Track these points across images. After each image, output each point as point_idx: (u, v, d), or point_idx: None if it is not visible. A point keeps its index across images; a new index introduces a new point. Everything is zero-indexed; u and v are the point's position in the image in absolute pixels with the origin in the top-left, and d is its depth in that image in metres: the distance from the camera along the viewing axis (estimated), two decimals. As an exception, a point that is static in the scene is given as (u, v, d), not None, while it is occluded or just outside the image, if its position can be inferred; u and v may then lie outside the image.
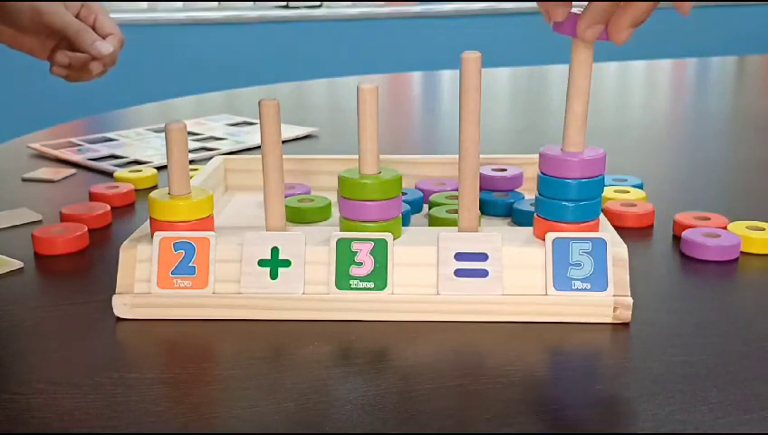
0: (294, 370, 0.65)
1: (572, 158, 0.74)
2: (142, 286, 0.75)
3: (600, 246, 0.74)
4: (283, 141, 0.80)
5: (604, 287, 0.73)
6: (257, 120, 0.78)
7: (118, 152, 1.38)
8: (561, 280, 0.73)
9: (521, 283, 0.74)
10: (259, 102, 0.76)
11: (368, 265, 0.74)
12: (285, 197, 0.87)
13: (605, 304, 0.72)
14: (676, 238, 0.93)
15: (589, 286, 0.73)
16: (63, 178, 1.24)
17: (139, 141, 1.46)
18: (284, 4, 3.90)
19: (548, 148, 0.76)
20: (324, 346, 0.69)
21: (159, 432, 0.57)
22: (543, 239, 0.75)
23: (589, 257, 0.73)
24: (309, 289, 0.74)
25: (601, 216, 0.78)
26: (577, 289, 0.73)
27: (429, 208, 0.95)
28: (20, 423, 0.58)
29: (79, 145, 1.42)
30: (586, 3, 0.68)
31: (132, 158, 1.34)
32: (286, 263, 0.75)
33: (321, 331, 0.72)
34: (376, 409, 0.59)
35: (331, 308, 0.74)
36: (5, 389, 0.62)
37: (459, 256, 0.74)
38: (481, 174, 0.77)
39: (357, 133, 0.76)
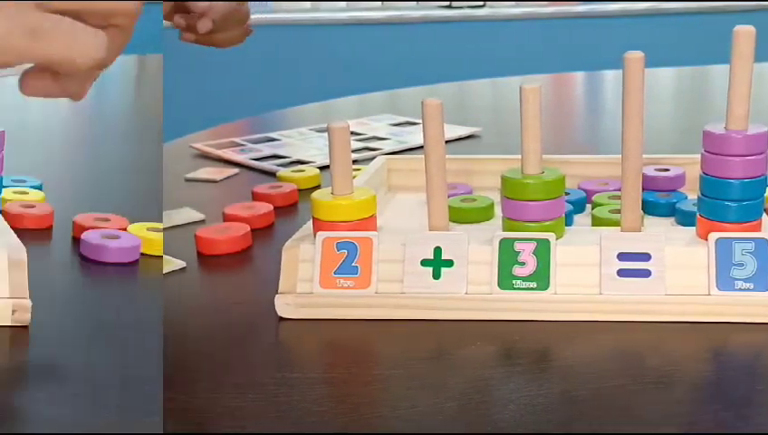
0: (456, 370, 0.65)
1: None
2: (305, 286, 0.76)
3: (762, 246, 0.72)
4: (446, 141, 0.80)
5: (767, 287, 0.71)
6: (420, 120, 0.78)
7: (280, 152, 1.39)
8: (724, 280, 0.72)
9: (684, 283, 0.73)
10: (422, 102, 0.76)
11: (530, 265, 0.74)
12: (448, 196, 0.87)
13: (768, 304, 0.71)
14: None
15: (751, 286, 0.72)
16: (226, 178, 1.25)
17: (302, 141, 1.48)
18: (447, 3, 3.91)
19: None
20: (487, 346, 0.69)
21: (320, 432, 0.57)
22: (706, 239, 0.74)
23: (752, 257, 0.72)
24: (471, 289, 0.74)
25: (764, 215, 0.77)
26: (740, 289, 0.72)
27: (592, 208, 0.94)
28: (180, 423, 0.59)
29: (241, 145, 1.44)
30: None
31: (295, 157, 1.35)
32: (449, 263, 0.75)
33: (483, 331, 0.72)
34: (538, 409, 0.59)
35: (493, 308, 0.74)
36: (167, 387, 0.63)
37: (622, 256, 0.73)
38: (643, 174, 0.76)
39: (519, 133, 0.75)
